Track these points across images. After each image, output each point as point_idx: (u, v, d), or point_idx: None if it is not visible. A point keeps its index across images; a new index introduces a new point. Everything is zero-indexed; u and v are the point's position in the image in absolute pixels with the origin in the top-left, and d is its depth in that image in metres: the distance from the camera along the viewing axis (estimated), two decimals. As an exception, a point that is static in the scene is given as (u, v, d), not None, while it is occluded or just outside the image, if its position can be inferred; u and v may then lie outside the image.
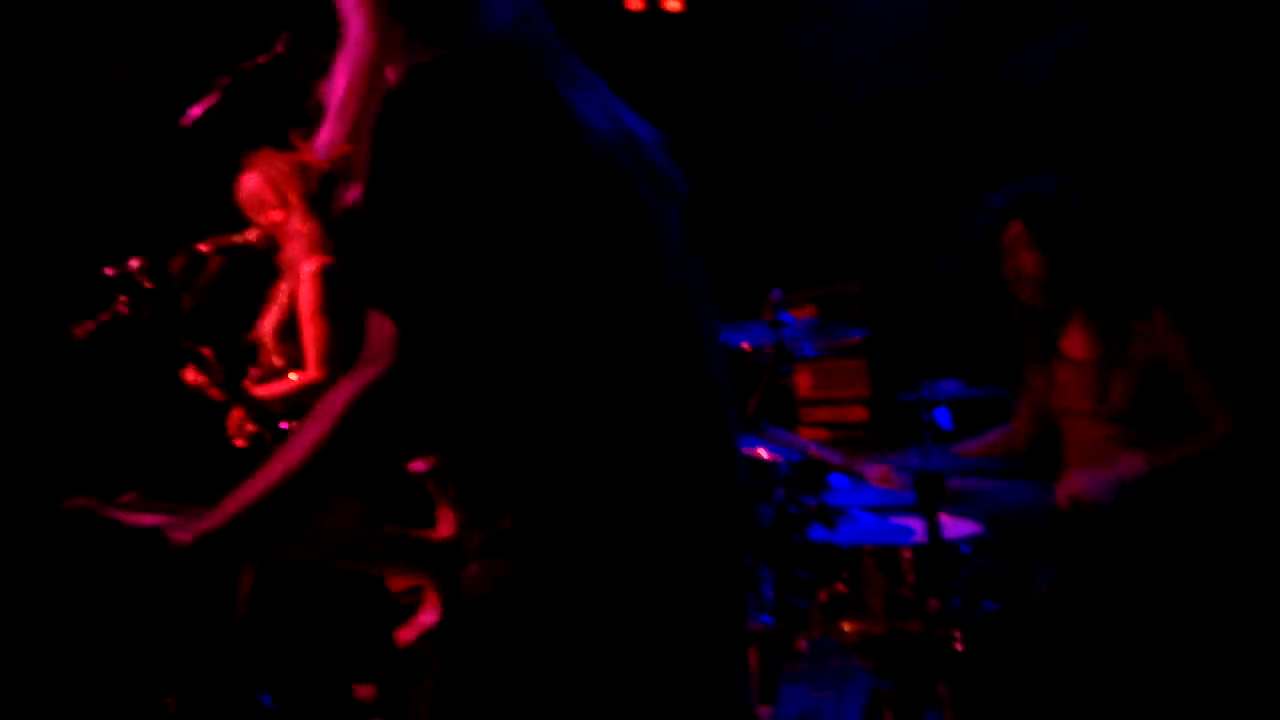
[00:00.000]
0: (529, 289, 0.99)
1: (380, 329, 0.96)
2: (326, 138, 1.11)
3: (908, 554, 2.06)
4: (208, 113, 1.91)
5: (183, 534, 0.99)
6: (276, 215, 2.47)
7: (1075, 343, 2.32)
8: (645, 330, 1.04)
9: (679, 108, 4.56)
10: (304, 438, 0.98)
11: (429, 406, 0.98)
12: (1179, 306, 2.13)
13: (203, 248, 2.33)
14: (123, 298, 2.06)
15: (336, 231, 2.40)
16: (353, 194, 1.04)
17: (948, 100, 3.71)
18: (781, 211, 4.45)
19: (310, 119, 1.14)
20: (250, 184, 2.50)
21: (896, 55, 3.81)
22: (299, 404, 2.31)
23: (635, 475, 1.01)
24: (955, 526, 2.28)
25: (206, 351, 2.12)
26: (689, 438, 1.05)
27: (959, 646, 1.91)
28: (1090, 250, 2.24)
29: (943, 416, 2.14)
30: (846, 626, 2.12)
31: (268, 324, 2.52)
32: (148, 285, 2.07)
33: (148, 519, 1.03)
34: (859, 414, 4.07)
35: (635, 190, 1.07)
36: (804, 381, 4.37)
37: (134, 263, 2.06)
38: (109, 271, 2.11)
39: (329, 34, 1.17)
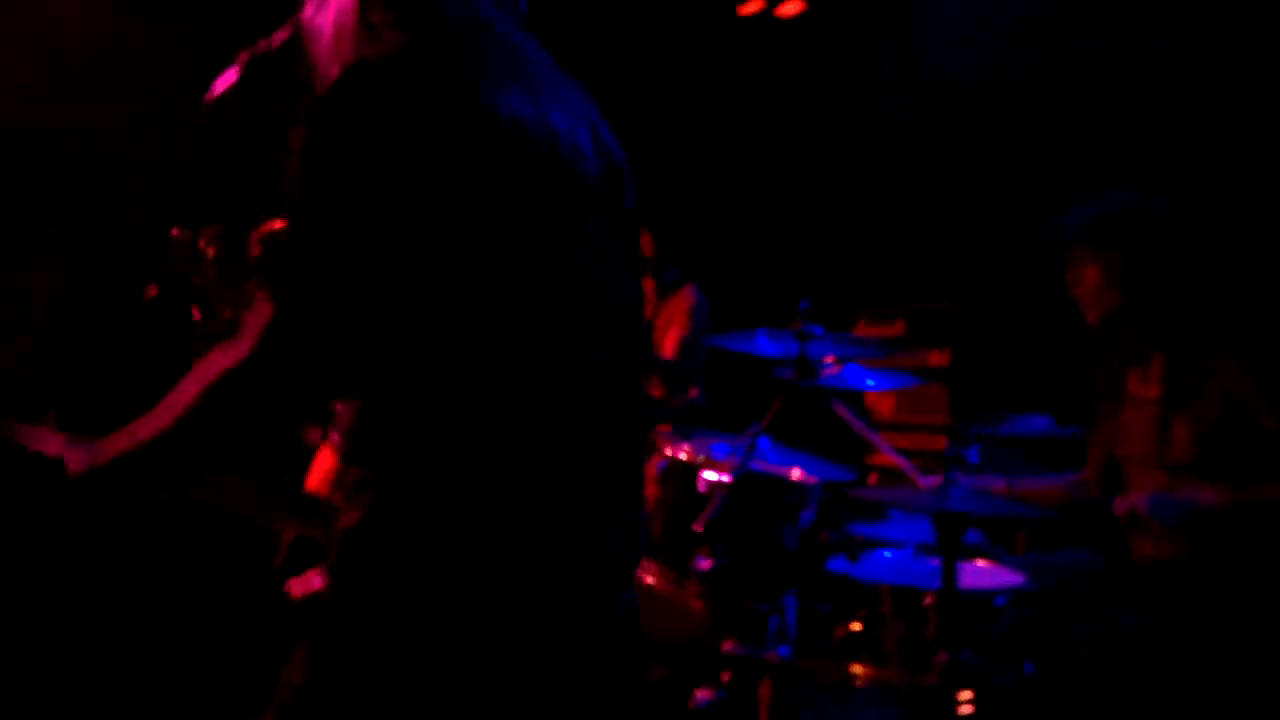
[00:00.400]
0: (413, 275, 0.98)
1: (259, 311, 0.98)
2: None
3: (930, 599, 1.87)
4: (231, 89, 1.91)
5: (78, 463, 1.04)
6: None
7: (1142, 382, 2.08)
8: (528, 313, 1.02)
9: (786, 116, 4.48)
10: (172, 400, 1.00)
11: (294, 383, 0.99)
12: (1251, 347, 1.87)
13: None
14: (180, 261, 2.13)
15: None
16: None
17: (1063, 117, 3.47)
18: (887, 224, 4.27)
19: None
20: None
21: (1011, 60, 3.60)
22: None
23: (500, 451, 1.01)
24: (996, 576, 2.06)
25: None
26: (559, 417, 1.04)
27: (967, 709, 1.70)
28: (1163, 278, 2.00)
29: (973, 454, 1.94)
30: (857, 669, 1.94)
31: None
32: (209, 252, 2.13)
33: (56, 443, 1.08)
34: (936, 442, 3.81)
35: (539, 186, 1.04)
36: (884, 405, 4.13)
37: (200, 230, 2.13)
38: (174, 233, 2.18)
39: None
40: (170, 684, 2.00)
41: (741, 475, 1.89)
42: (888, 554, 2.11)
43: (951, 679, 1.70)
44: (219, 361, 0.98)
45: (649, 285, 3.89)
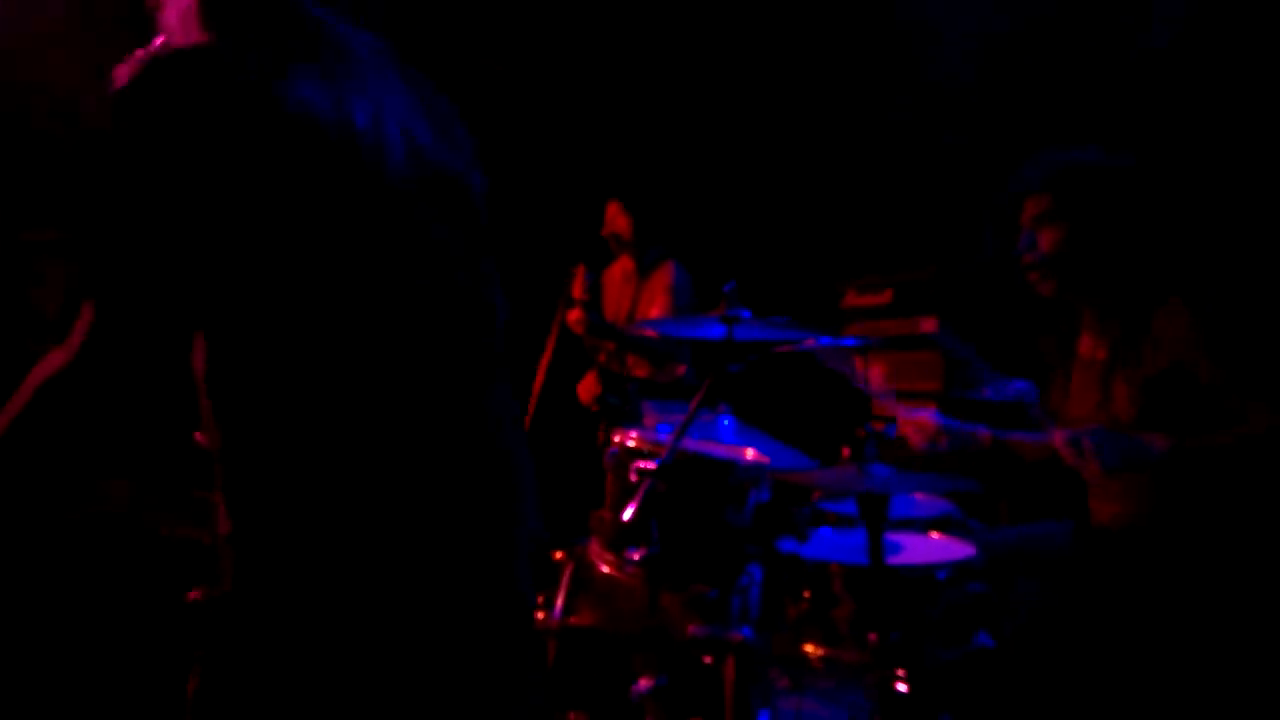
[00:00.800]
0: (218, 266, 1.00)
1: (83, 313, 1.00)
2: None
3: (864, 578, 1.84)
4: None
5: None
6: None
7: (1087, 343, 2.03)
8: (350, 323, 1.03)
9: (768, 90, 4.41)
10: (7, 408, 1.04)
11: (123, 382, 1.01)
12: (1201, 295, 1.82)
13: None
14: None
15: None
16: None
17: (1044, 82, 3.38)
18: (874, 193, 4.21)
19: None
20: None
21: (995, 29, 3.51)
22: None
23: (348, 465, 1.02)
24: (947, 549, 2.04)
25: None
26: (416, 433, 1.04)
27: (901, 687, 1.69)
28: (1121, 238, 1.94)
29: (890, 430, 1.91)
30: (811, 649, 1.94)
31: None
32: None
33: None
34: (927, 408, 3.76)
35: (332, 180, 1.04)
36: (875, 373, 4.08)
37: None
38: None
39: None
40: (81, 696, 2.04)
41: (679, 461, 1.88)
42: (836, 532, 2.10)
43: (884, 658, 1.69)
44: (50, 364, 1.01)
45: (629, 263, 3.88)
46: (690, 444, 2.10)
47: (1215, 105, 2.66)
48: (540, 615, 2.07)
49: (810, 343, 2.24)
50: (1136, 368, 1.87)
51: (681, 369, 3.74)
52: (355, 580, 1.03)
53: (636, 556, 1.85)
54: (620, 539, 1.98)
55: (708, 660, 1.99)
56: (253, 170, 0.98)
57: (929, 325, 3.82)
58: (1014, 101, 3.38)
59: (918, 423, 2.19)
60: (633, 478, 1.83)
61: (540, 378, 3.35)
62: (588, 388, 3.76)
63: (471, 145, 1.24)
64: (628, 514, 1.70)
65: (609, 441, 2.13)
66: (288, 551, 1.02)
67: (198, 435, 1.18)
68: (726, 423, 2.31)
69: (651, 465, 1.76)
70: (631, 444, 2.07)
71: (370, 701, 1.03)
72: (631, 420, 3.00)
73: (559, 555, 2.18)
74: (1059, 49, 3.19)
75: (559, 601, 2.09)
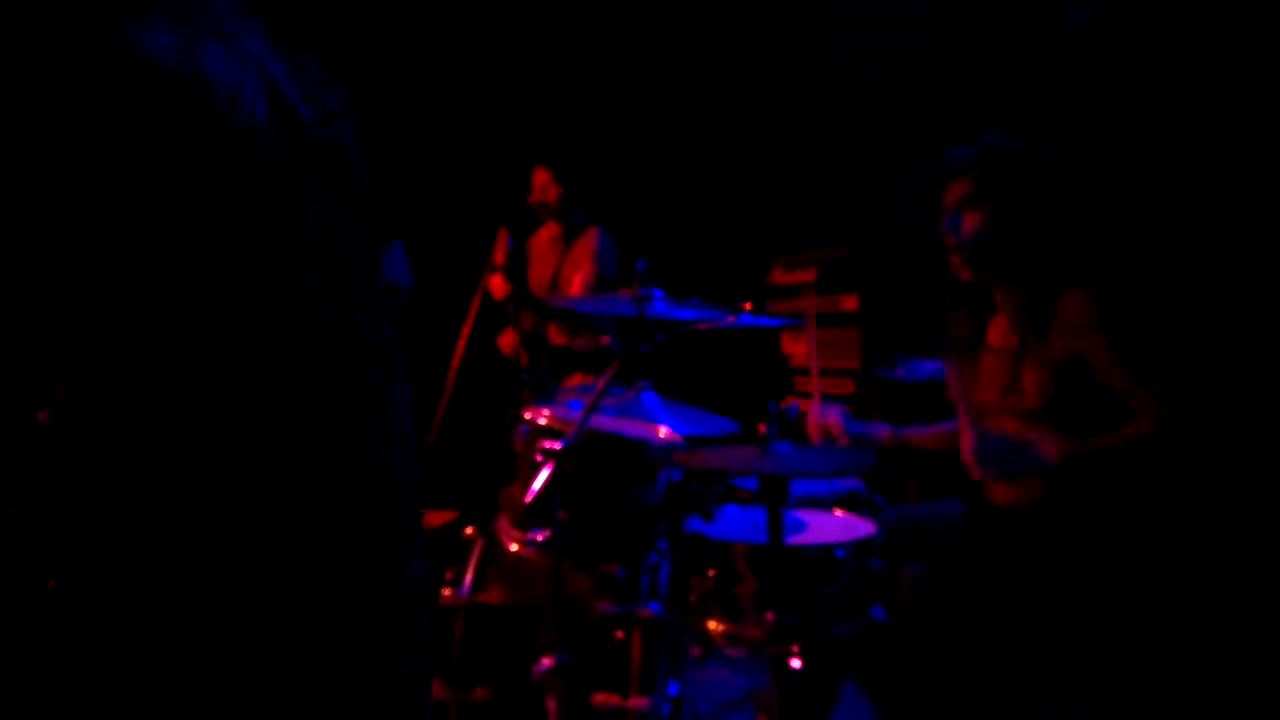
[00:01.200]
0: (68, 221, 0.88)
1: None
2: None
3: (764, 557, 1.88)
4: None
5: None
6: None
7: (1000, 328, 2.08)
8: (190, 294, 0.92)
9: (701, 62, 4.37)
10: None
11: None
12: (1103, 289, 1.87)
13: None
14: None
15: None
16: None
17: (967, 60, 3.41)
18: (801, 170, 4.23)
19: None
20: None
21: (915, 13, 3.53)
22: None
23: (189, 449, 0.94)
24: (853, 527, 2.09)
25: None
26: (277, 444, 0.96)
27: (795, 662, 1.73)
28: (1038, 225, 1.98)
29: (793, 411, 1.93)
30: (713, 625, 1.97)
31: None
32: None
33: None
34: (846, 386, 3.83)
35: (182, 132, 0.90)
36: (799, 349, 4.14)
37: None
38: None
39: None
40: None
41: (589, 440, 1.88)
42: (744, 509, 2.13)
43: (779, 635, 1.73)
44: None
45: (555, 229, 3.84)
46: (604, 422, 2.10)
47: (1125, 93, 2.72)
48: (448, 592, 2.07)
49: (730, 320, 2.25)
50: (1044, 355, 1.92)
51: (605, 339, 3.73)
52: (200, 576, 0.99)
53: (540, 538, 1.85)
54: (526, 519, 1.98)
55: (619, 635, 2.01)
56: (94, 111, 0.85)
57: (850, 303, 3.88)
58: (940, 84, 3.41)
59: (824, 424, 2.22)
60: (537, 458, 1.82)
61: (462, 345, 3.31)
62: (509, 340, 3.72)
63: (348, 114, 1.11)
64: (529, 496, 1.69)
65: (519, 418, 2.12)
66: (127, 539, 0.98)
67: (40, 415, 1.13)
68: (647, 399, 2.32)
69: (557, 445, 1.75)
70: (542, 422, 2.07)
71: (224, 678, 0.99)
72: (545, 394, 2.99)
73: (470, 531, 2.17)
74: (981, 32, 3.22)
75: (468, 578, 2.08)
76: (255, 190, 0.92)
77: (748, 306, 2.15)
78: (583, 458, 1.87)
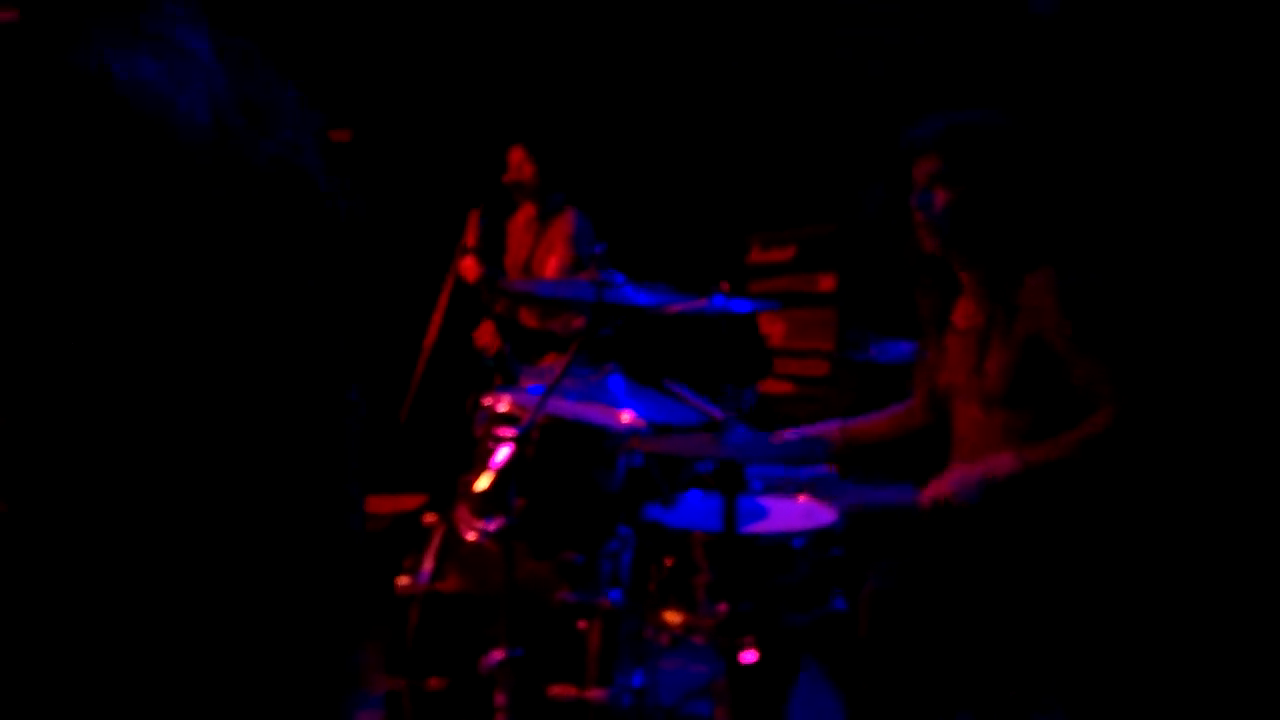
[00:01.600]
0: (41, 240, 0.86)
1: None
2: None
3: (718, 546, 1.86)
4: None
5: None
6: None
7: (965, 309, 2.06)
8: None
9: (679, 41, 4.31)
10: None
11: None
12: (1067, 274, 1.85)
13: None
14: None
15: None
16: None
17: (945, 41, 3.37)
18: (780, 147, 4.18)
19: None
20: None
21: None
22: None
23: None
24: (810, 515, 2.07)
25: None
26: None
27: (748, 655, 1.72)
28: (1006, 204, 1.95)
29: (749, 397, 1.91)
30: (669, 616, 1.95)
31: None
32: None
33: None
34: (820, 368, 3.81)
35: (127, 145, 0.88)
36: (776, 330, 4.11)
37: None
38: None
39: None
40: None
41: (549, 426, 1.86)
42: (705, 496, 2.11)
43: (732, 627, 1.72)
44: None
45: (531, 210, 3.79)
46: (565, 407, 2.08)
47: (1094, 76, 2.69)
48: (407, 580, 2.05)
49: (696, 305, 2.22)
50: (1007, 338, 1.90)
51: (579, 321, 3.70)
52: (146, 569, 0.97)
53: (492, 527, 1.83)
54: (481, 507, 1.96)
55: (582, 625, 2.00)
56: (51, 131, 0.85)
57: (828, 283, 3.85)
58: (911, 64, 3.37)
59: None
60: (490, 445, 1.79)
61: (435, 327, 3.28)
62: (485, 334, 3.70)
63: (307, 113, 1.08)
64: (481, 484, 1.67)
65: (478, 405, 2.09)
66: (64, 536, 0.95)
67: None
68: (613, 383, 2.30)
69: (512, 432, 1.72)
70: (501, 408, 2.04)
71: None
72: (509, 379, 2.96)
73: (431, 519, 2.15)
74: (950, 15, 3.18)
75: (426, 566, 2.07)
76: (191, 204, 0.90)
77: (725, 287, 2.12)
78: (541, 443, 1.85)
